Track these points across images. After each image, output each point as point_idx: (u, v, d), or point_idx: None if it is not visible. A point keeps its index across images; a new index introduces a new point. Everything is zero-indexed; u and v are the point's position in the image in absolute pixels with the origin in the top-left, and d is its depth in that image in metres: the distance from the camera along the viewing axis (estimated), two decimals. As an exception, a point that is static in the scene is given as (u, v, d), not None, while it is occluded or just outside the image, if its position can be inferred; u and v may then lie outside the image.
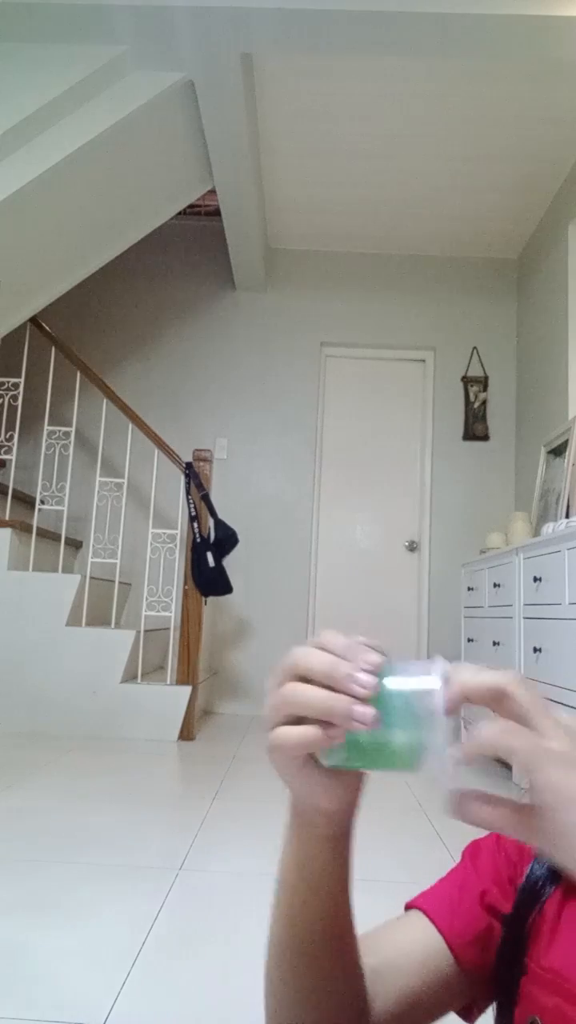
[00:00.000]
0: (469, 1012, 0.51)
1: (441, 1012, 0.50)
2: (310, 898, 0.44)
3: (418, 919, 0.51)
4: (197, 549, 3.19)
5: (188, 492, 3.26)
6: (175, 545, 3.74)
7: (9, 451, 3.51)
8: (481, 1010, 0.51)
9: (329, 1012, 0.45)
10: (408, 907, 0.53)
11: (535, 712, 0.34)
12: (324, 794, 0.40)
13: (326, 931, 0.44)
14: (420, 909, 0.51)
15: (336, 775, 0.40)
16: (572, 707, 2.05)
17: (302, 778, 0.40)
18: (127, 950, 1.18)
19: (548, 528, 2.52)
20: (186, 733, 3.04)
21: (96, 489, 3.52)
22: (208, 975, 1.12)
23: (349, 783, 0.41)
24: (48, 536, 3.49)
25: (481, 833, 0.50)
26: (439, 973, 0.48)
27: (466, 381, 4.18)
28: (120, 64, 2.56)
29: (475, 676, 0.36)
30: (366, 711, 0.34)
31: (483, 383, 4.17)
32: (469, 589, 3.44)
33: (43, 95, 2.50)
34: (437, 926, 0.49)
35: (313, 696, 0.36)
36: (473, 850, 0.53)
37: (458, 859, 0.54)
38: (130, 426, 3.48)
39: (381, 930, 0.52)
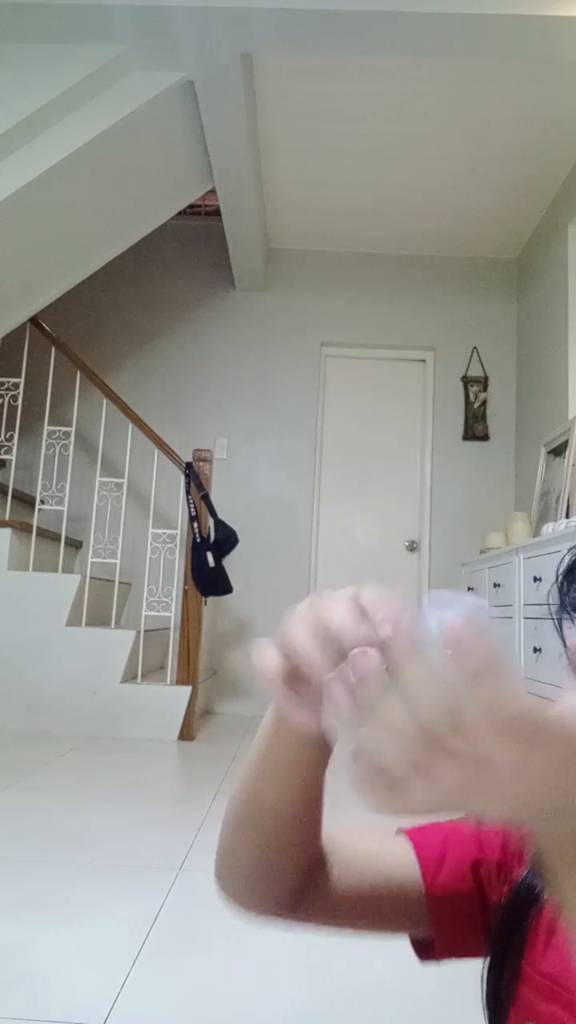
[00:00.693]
0: (427, 949, 0.50)
1: (389, 925, 0.49)
2: (276, 791, 0.42)
3: (403, 846, 0.50)
4: (197, 549, 3.19)
5: (188, 492, 3.26)
6: (175, 545, 3.74)
7: (9, 451, 3.51)
8: (440, 956, 0.49)
9: (279, 879, 0.46)
10: (400, 830, 0.52)
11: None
12: (311, 711, 0.34)
13: (292, 801, 0.43)
14: (408, 836, 0.51)
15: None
16: (572, 707, 2.05)
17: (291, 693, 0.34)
18: (127, 950, 1.18)
19: (548, 528, 2.52)
20: (186, 733, 3.04)
21: (96, 489, 3.52)
22: (208, 975, 1.12)
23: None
24: (48, 536, 3.49)
25: None
26: (399, 890, 0.48)
27: (466, 381, 4.18)
28: (120, 64, 2.56)
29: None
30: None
31: (483, 383, 4.17)
32: (469, 589, 3.43)
33: (43, 95, 2.50)
34: (421, 865, 0.49)
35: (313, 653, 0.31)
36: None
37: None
38: (130, 426, 3.48)
39: (358, 832, 0.51)
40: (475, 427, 4.12)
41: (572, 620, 0.42)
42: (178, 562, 3.81)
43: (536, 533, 3.18)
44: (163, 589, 3.66)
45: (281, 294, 4.29)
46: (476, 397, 4.15)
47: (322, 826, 0.47)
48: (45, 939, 1.21)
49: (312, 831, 0.46)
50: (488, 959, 0.46)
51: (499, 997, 0.44)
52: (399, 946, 0.52)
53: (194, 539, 3.21)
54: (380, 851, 0.50)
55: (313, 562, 4.12)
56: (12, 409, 3.52)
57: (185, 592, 3.20)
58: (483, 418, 4.14)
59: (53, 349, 3.56)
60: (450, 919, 0.48)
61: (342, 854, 0.49)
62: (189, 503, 3.25)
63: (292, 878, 0.47)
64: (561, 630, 0.43)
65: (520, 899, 0.45)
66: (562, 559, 0.46)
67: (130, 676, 3.16)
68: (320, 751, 0.42)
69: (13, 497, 3.62)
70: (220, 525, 3.27)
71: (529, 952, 0.43)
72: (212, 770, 2.51)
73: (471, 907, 0.47)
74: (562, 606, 0.43)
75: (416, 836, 0.51)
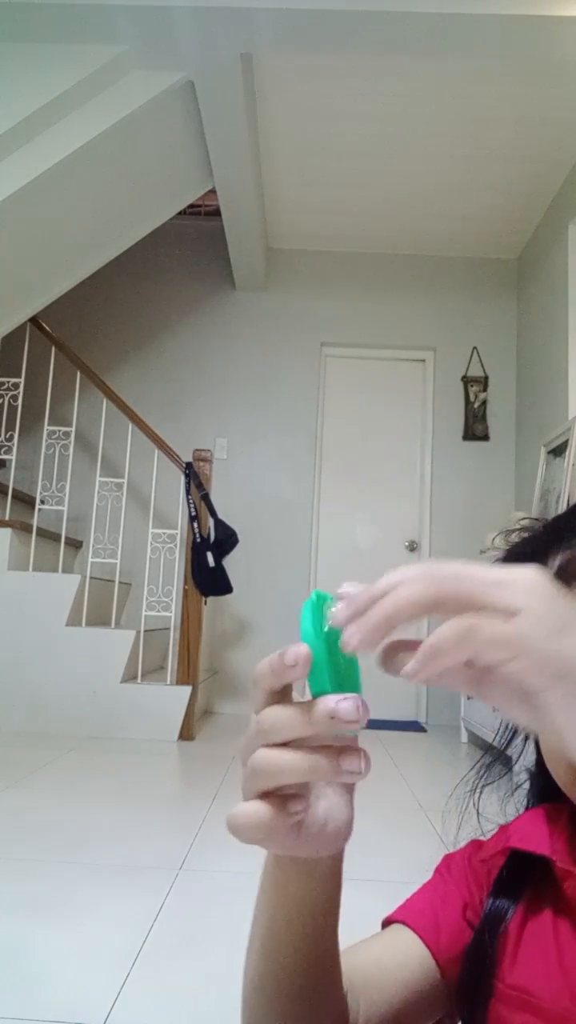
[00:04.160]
0: None
1: (435, 1015, 0.49)
2: (289, 938, 0.40)
3: (402, 934, 0.49)
4: (197, 549, 3.19)
5: (188, 492, 3.26)
6: (175, 545, 3.74)
7: (9, 451, 3.51)
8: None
9: None
10: (388, 921, 0.51)
11: (475, 589, 0.27)
12: (303, 850, 0.35)
13: (309, 967, 0.41)
14: (404, 923, 0.50)
15: (312, 833, 0.34)
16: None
17: (279, 840, 0.34)
18: (127, 950, 1.18)
19: (548, 528, 2.51)
20: (186, 733, 3.04)
21: (96, 489, 3.52)
22: (208, 975, 1.12)
23: (329, 835, 0.34)
24: (48, 536, 3.49)
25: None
26: (422, 991, 0.47)
27: (466, 381, 4.18)
28: (120, 64, 2.56)
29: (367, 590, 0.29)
30: (355, 760, 0.30)
31: (483, 383, 4.17)
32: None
33: (43, 95, 2.50)
34: (424, 941, 0.48)
35: (288, 762, 0.31)
36: (447, 863, 0.52)
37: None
38: (130, 426, 3.48)
39: (363, 947, 0.50)
40: (475, 427, 4.12)
41: None
42: (178, 562, 3.81)
43: (536, 533, 3.18)
44: (163, 589, 3.66)
45: (281, 294, 4.29)
46: (476, 397, 4.15)
47: (341, 975, 0.44)
48: (45, 939, 1.21)
49: (332, 981, 0.43)
50: (461, 981, 0.46)
51: (475, 1017, 0.44)
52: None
53: (194, 539, 3.21)
54: (391, 959, 0.48)
55: (313, 562, 4.12)
56: (12, 409, 3.52)
57: (185, 592, 3.20)
58: (483, 418, 4.14)
59: (53, 349, 3.56)
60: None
61: (362, 988, 0.46)
62: (189, 503, 3.25)
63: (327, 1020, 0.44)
64: None
65: (489, 921, 0.45)
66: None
67: (130, 676, 3.16)
68: (328, 884, 0.39)
69: (13, 497, 3.62)
70: (220, 525, 3.27)
71: (499, 968, 0.43)
72: (212, 770, 2.51)
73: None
74: None
75: (410, 918, 0.50)
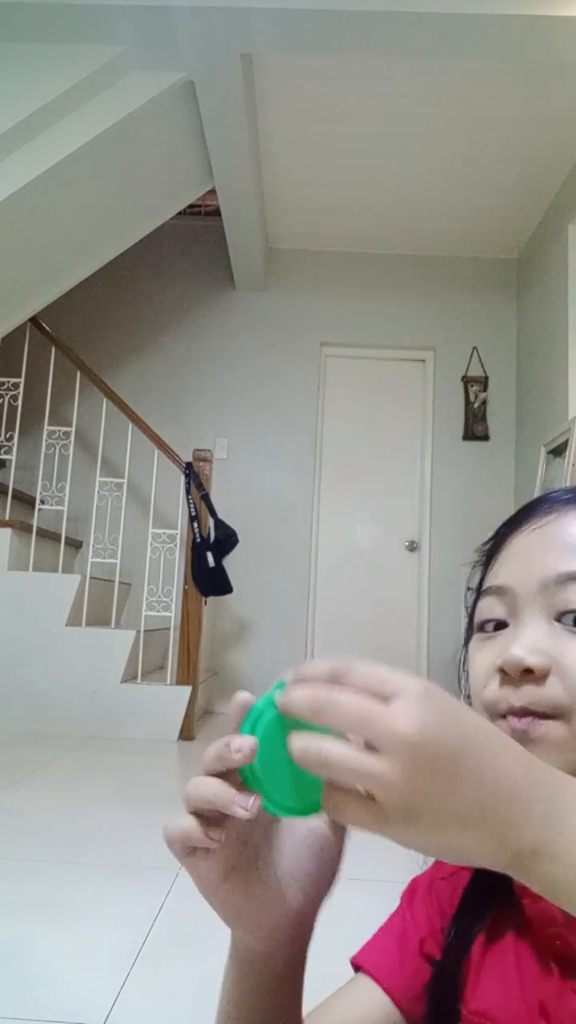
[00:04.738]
0: None
1: None
2: (249, 1010, 0.43)
3: (365, 984, 0.50)
4: (197, 549, 3.19)
5: (188, 492, 3.26)
6: (175, 545, 3.74)
7: (9, 451, 3.51)
8: None
9: None
10: (354, 963, 0.52)
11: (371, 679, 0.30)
12: (251, 923, 0.38)
13: None
14: (365, 970, 0.50)
15: (263, 901, 0.38)
16: (572, 707, 2.04)
17: (222, 896, 0.38)
18: (127, 950, 1.18)
19: (548, 528, 2.52)
20: (186, 733, 3.04)
21: (96, 489, 3.52)
22: (208, 975, 1.12)
23: (281, 915, 0.39)
24: (48, 536, 3.49)
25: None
26: None
27: (466, 381, 4.18)
28: (120, 64, 2.56)
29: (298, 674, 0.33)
30: (246, 799, 0.34)
31: (483, 383, 4.17)
32: (469, 589, 3.43)
33: (43, 95, 2.50)
34: (383, 987, 0.49)
35: (202, 784, 0.36)
36: (410, 895, 0.53)
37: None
38: (130, 426, 3.48)
39: (330, 1006, 0.50)
40: (475, 427, 4.12)
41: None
42: (178, 562, 3.81)
43: (536, 533, 3.18)
44: (163, 589, 3.66)
45: (281, 294, 4.29)
46: (476, 397, 4.15)
47: None
48: (45, 939, 1.21)
49: None
50: (428, 1013, 0.46)
51: None
52: (353, 968, 0.52)
53: (194, 539, 3.21)
54: (356, 1012, 0.49)
55: (313, 562, 4.12)
56: (12, 409, 3.52)
57: (185, 592, 3.20)
58: (483, 418, 4.14)
59: (53, 349, 3.56)
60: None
61: None
62: (189, 503, 3.25)
63: None
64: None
65: (451, 948, 0.45)
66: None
67: (130, 676, 3.16)
68: (285, 988, 0.42)
69: (13, 497, 3.62)
70: (220, 525, 3.27)
71: (462, 994, 0.44)
72: (212, 770, 2.51)
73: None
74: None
75: (371, 964, 0.50)
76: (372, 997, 0.49)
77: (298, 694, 0.31)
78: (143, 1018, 0.99)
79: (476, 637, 0.46)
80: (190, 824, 0.36)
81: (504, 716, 0.39)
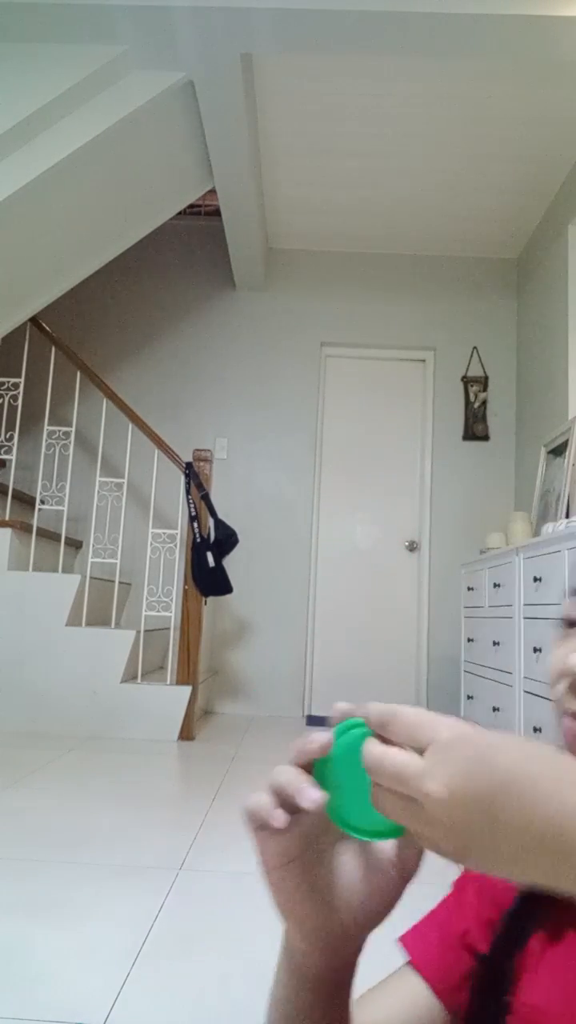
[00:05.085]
0: None
1: None
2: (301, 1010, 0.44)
3: (408, 977, 0.51)
4: (197, 549, 3.19)
5: (188, 492, 3.26)
6: (175, 545, 3.74)
7: (9, 451, 3.51)
8: None
9: None
10: (400, 943, 0.53)
11: (415, 727, 0.33)
12: (295, 917, 0.40)
13: None
14: (408, 955, 0.52)
15: (311, 903, 0.39)
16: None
17: (275, 880, 0.40)
18: (127, 950, 1.18)
19: (548, 528, 2.52)
20: (186, 733, 3.04)
21: (96, 489, 3.52)
22: (208, 975, 1.12)
23: (325, 924, 0.40)
24: (48, 536, 3.49)
25: None
26: None
27: (466, 381, 4.18)
28: (120, 64, 2.56)
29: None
30: (309, 792, 0.36)
31: (483, 383, 4.17)
32: (469, 589, 3.44)
33: (43, 95, 2.50)
34: (424, 976, 0.50)
35: (281, 771, 0.38)
36: (461, 883, 0.53)
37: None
38: (130, 426, 3.48)
39: (374, 998, 0.51)
40: (475, 427, 4.12)
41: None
42: (178, 562, 3.81)
43: (536, 533, 3.18)
44: (163, 589, 3.66)
45: (281, 294, 4.29)
46: (476, 397, 4.15)
47: None
48: (45, 939, 1.21)
49: None
50: (472, 1000, 0.46)
51: None
52: (399, 948, 0.52)
53: (194, 539, 3.21)
54: (399, 1016, 0.50)
55: (313, 562, 4.12)
56: (12, 409, 3.52)
57: (185, 592, 3.20)
58: (483, 418, 4.14)
59: (53, 349, 3.56)
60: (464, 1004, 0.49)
61: None
62: (189, 503, 3.25)
63: None
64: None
65: (503, 942, 0.46)
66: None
67: (130, 676, 3.16)
68: (336, 995, 0.44)
69: (13, 497, 3.62)
70: (220, 525, 3.27)
71: (516, 986, 0.44)
72: (212, 770, 2.51)
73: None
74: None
75: (416, 953, 0.51)
76: (414, 990, 0.50)
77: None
78: (143, 1018, 0.99)
79: (563, 633, 0.48)
80: (264, 800, 0.38)
81: (569, 715, 0.42)
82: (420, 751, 0.32)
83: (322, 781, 0.37)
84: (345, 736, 0.37)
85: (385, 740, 0.34)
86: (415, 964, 0.51)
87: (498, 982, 0.45)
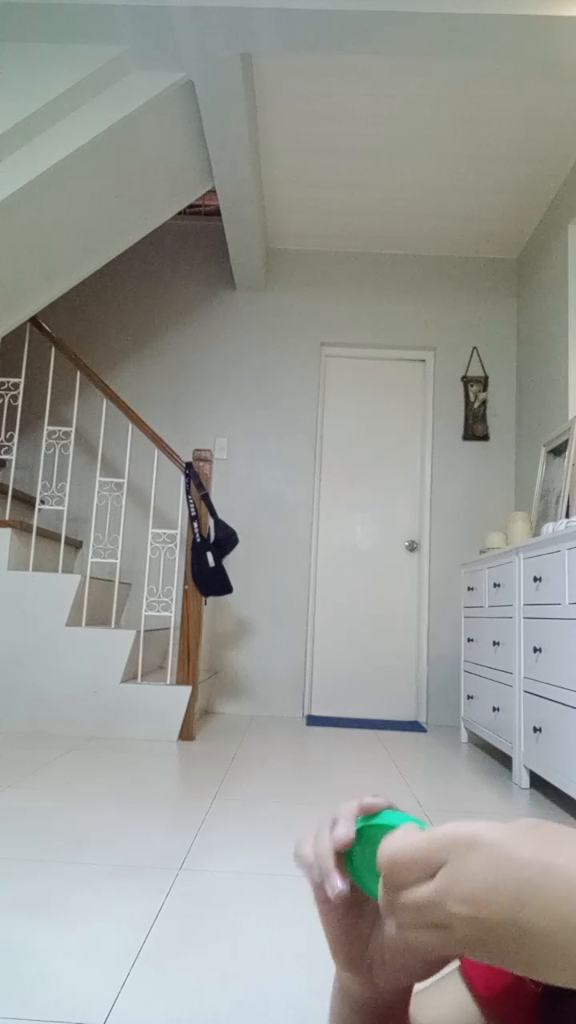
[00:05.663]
0: None
1: None
2: None
3: (455, 984, 0.51)
4: (197, 549, 3.19)
5: (188, 492, 3.26)
6: (175, 545, 3.74)
7: (9, 451, 3.51)
8: None
9: None
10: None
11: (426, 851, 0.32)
12: (339, 956, 0.42)
13: None
14: (460, 967, 0.52)
15: (354, 951, 0.41)
16: (572, 707, 2.05)
17: (323, 915, 0.42)
18: (127, 950, 1.18)
19: (548, 528, 2.52)
20: (186, 733, 3.04)
21: (96, 489, 3.52)
22: (208, 975, 1.12)
23: (364, 977, 0.42)
24: (48, 536, 3.49)
25: None
26: None
27: (466, 381, 4.18)
28: (120, 64, 2.56)
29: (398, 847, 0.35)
30: (336, 880, 0.38)
31: (483, 383, 4.17)
32: (469, 589, 3.44)
33: (43, 95, 2.50)
34: (473, 989, 0.50)
35: (312, 849, 0.41)
36: None
37: None
38: (130, 426, 3.48)
39: (424, 1001, 0.52)
40: (475, 427, 4.12)
41: None
42: (178, 562, 3.81)
43: (536, 533, 3.18)
44: (163, 589, 3.66)
45: (281, 294, 4.29)
46: (476, 397, 4.15)
47: None
48: (45, 939, 1.21)
49: None
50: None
51: None
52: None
53: (194, 539, 3.21)
54: (444, 1013, 0.50)
55: (313, 562, 4.12)
56: (12, 409, 3.52)
57: (185, 592, 3.20)
58: (483, 418, 4.14)
59: (53, 349, 3.56)
60: (504, 1017, 0.49)
61: None
62: (189, 503, 3.25)
63: None
64: None
65: None
66: None
67: (130, 676, 3.16)
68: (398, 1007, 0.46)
69: (13, 497, 3.63)
70: (220, 525, 3.28)
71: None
72: (212, 770, 2.51)
73: (519, 996, 0.48)
74: None
75: (468, 963, 0.52)
76: (459, 996, 0.50)
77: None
78: (143, 1018, 0.99)
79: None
80: (307, 851, 0.41)
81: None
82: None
83: (348, 859, 0.40)
84: (371, 821, 0.40)
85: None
86: (466, 974, 0.51)
87: (560, 1006, 0.44)
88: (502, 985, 0.48)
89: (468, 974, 0.50)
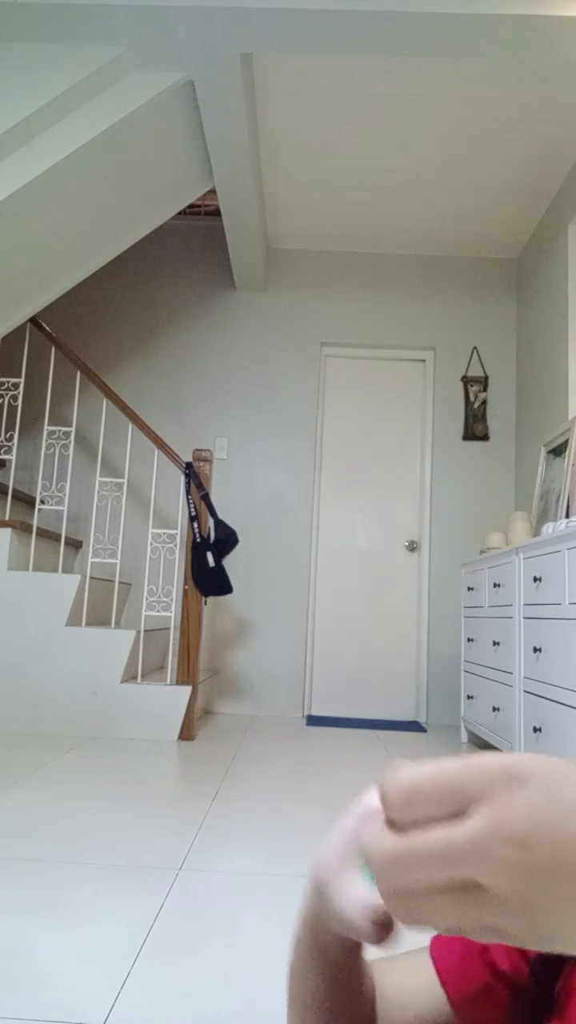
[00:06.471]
0: None
1: None
2: (328, 999, 0.44)
3: (425, 966, 0.50)
4: (197, 549, 3.19)
5: (188, 492, 3.26)
6: (175, 545, 3.74)
7: (9, 451, 3.51)
8: None
9: None
10: (431, 942, 0.52)
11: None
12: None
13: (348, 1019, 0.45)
14: (432, 957, 0.51)
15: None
16: (573, 707, 2.05)
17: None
18: (127, 950, 1.18)
19: (548, 528, 2.52)
20: (186, 733, 3.04)
21: (96, 489, 3.52)
22: (208, 975, 1.12)
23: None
24: (48, 536, 3.49)
25: None
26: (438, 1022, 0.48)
27: (466, 381, 4.18)
28: (120, 64, 2.56)
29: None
30: (383, 933, 0.34)
31: (483, 383, 4.17)
32: (469, 589, 3.44)
33: (43, 95, 2.50)
34: (441, 979, 0.49)
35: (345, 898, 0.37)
36: None
37: None
38: (130, 426, 3.48)
39: (393, 968, 0.51)
40: (475, 427, 4.12)
41: None
42: (178, 562, 3.82)
43: (536, 533, 3.18)
44: (163, 589, 3.66)
45: (281, 294, 4.29)
46: (476, 397, 4.15)
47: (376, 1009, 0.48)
48: (45, 939, 1.21)
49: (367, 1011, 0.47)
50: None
51: None
52: (401, 948, 0.52)
53: (194, 539, 3.21)
54: (410, 988, 0.50)
55: (313, 562, 4.12)
56: (12, 409, 3.52)
57: (185, 592, 3.20)
58: (483, 418, 4.14)
59: (53, 349, 3.56)
60: (476, 1019, 0.48)
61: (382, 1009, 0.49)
62: (189, 503, 3.25)
63: None
64: None
65: (545, 967, 0.45)
66: None
67: (130, 676, 3.16)
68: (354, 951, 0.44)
69: (13, 497, 3.63)
70: (220, 525, 3.28)
71: (556, 1019, 0.43)
72: (212, 770, 2.51)
73: (489, 1001, 0.47)
74: None
75: (437, 951, 0.51)
76: (427, 982, 0.50)
77: (375, 861, 0.26)
78: (143, 1018, 0.99)
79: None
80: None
81: None
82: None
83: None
84: None
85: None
86: (437, 965, 0.50)
87: (538, 1010, 0.44)
88: (475, 986, 0.47)
89: (441, 973, 0.49)
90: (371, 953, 0.49)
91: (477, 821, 0.23)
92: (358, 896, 0.35)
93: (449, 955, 0.50)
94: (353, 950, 0.43)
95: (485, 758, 0.25)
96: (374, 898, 0.34)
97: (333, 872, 0.39)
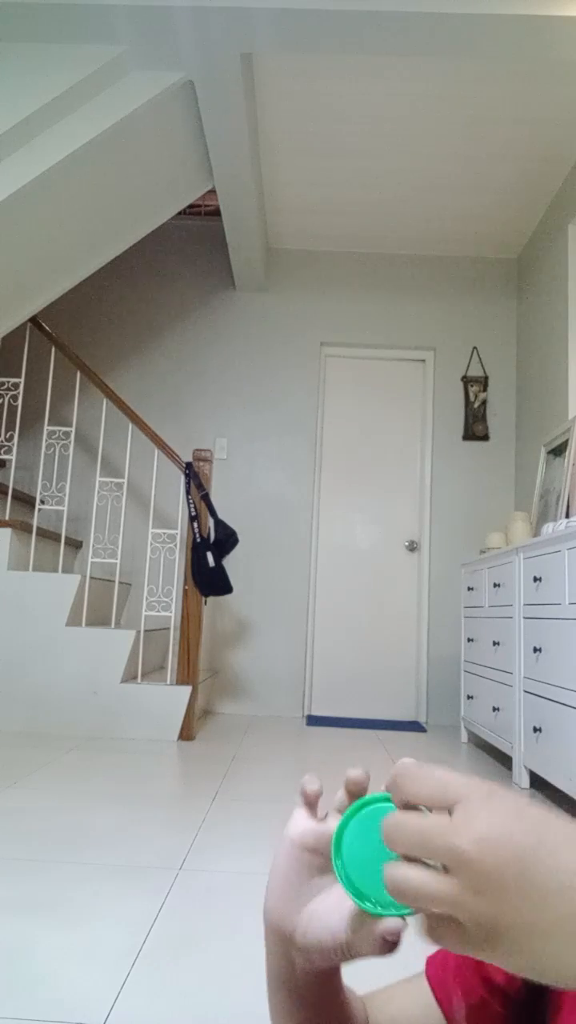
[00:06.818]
0: None
1: None
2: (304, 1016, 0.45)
3: (421, 989, 0.51)
4: (197, 549, 3.19)
5: (188, 492, 3.26)
6: (175, 545, 3.74)
7: (9, 451, 3.51)
8: None
9: None
10: (426, 962, 0.53)
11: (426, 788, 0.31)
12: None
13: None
14: (427, 975, 0.51)
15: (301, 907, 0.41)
16: (572, 707, 2.05)
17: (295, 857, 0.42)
18: (127, 950, 1.18)
19: (548, 528, 2.52)
20: (186, 733, 3.04)
21: (96, 489, 3.52)
22: (208, 975, 1.12)
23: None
24: (48, 536, 3.49)
25: None
26: None
27: (466, 381, 4.18)
28: (120, 64, 2.56)
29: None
30: (395, 929, 0.36)
31: (483, 383, 4.17)
32: (469, 589, 3.43)
33: (43, 95, 2.50)
34: (437, 998, 0.49)
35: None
36: None
37: None
38: (130, 426, 3.48)
39: (389, 998, 0.51)
40: (475, 427, 4.12)
41: None
42: (178, 562, 3.82)
43: (536, 533, 3.18)
44: (163, 589, 3.67)
45: (281, 294, 4.29)
46: (476, 397, 4.15)
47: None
48: (45, 939, 1.21)
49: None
50: None
51: None
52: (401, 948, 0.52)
53: (194, 539, 3.21)
54: (400, 1018, 0.50)
55: (313, 562, 4.12)
56: (12, 409, 3.52)
57: (185, 592, 3.20)
58: (483, 418, 4.14)
59: (53, 349, 3.56)
60: None
61: None
62: (189, 503, 3.25)
63: None
64: None
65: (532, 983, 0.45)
66: None
67: (130, 676, 3.16)
68: (334, 977, 0.45)
69: (13, 497, 3.63)
70: (220, 525, 3.27)
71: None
72: (212, 770, 2.51)
73: (485, 1016, 0.48)
74: None
75: (432, 970, 0.51)
76: (425, 1003, 0.50)
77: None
78: (143, 1018, 0.99)
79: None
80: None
81: None
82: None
83: (339, 845, 0.36)
84: (367, 808, 0.36)
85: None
86: (431, 983, 0.51)
87: (533, 1020, 0.44)
88: (471, 1001, 0.47)
89: (438, 996, 0.49)
90: (364, 987, 0.49)
91: (453, 818, 0.28)
92: (327, 911, 0.39)
93: (443, 973, 0.50)
94: (334, 992, 0.44)
95: (474, 778, 0.30)
96: (347, 903, 0.37)
97: (291, 907, 0.40)
